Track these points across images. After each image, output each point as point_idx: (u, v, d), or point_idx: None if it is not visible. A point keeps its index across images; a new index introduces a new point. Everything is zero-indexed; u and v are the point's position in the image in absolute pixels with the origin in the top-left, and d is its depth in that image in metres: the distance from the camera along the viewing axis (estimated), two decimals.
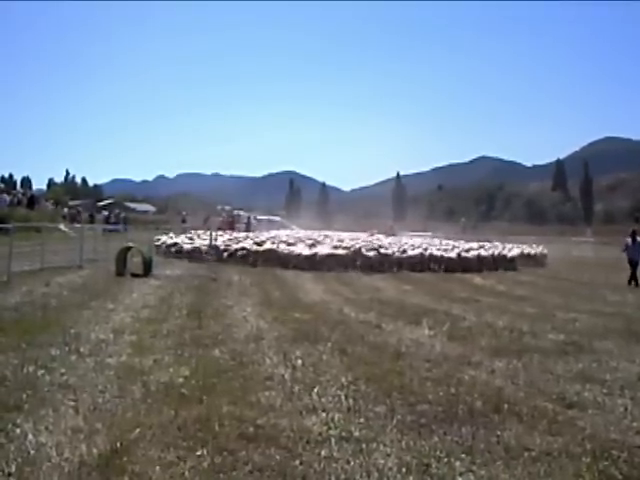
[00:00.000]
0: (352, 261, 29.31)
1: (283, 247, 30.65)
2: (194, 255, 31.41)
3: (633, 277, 28.63)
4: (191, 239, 35.54)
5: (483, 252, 34.83)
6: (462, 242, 43.30)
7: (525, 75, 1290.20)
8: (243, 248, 30.75)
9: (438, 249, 33.67)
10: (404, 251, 31.83)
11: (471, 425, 7.06)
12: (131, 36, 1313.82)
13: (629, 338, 13.31)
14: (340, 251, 30.24)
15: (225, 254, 30.46)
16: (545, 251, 42.81)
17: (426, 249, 33.05)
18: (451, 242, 42.68)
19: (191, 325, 12.86)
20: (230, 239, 35.02)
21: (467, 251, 34.19)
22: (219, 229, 47.83)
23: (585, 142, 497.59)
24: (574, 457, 6.21)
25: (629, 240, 29.85)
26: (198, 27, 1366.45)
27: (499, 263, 34.53)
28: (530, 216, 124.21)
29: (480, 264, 33.06)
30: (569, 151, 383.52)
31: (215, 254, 30.52)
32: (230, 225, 57.96)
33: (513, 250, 38.34)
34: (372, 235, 50.54)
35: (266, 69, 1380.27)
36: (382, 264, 29.73)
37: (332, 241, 35.63)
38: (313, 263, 28.71)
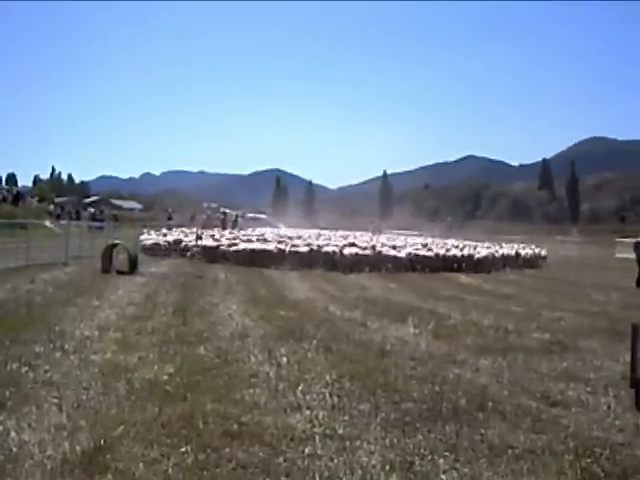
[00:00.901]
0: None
1: (275, 245, 30.54)
2: (180, 253, 31.39)
3: None
4: (176, 237, 35.46)
5: (486, 252, 34.71)
6: (452, 240, 43.33)
7: (513, 75, 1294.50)
8: (229, 245, 30.69)
9: (430, 249, 33.23)
10: (394, 247, 31.81)
11: (455, 423, 7.07)
12: (124, 36, 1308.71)
13: (613, 337, 13.36)
14: (357, 250, 30.29)
15: (213, 252, 30.38)
16: (544, 252, 41.97)
17: (426, 246, 33.23)
18: (450, 241, 42.48)
19: (176, 322, 12.83)
20: (219, 237, 35.00)
21: (462, 249, 34.25)
22: (204, 227, 47.78)
23: (572, 142, 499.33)
24: (557, 455, 6.23)
25: (638, 240, 29.28)
26: (187, 28, 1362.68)
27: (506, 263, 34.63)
28: (516, 215, 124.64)
29: (489, 265, 33.06)
30: (555, 151, 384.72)
31: (201, 252, 30.49)
32: (222, 223, 57.86)
33: (517, 250, 38.24)
34: (375, 232, 50.76)
35: (253, 68, 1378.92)
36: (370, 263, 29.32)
37: (331, 239, 35.83)
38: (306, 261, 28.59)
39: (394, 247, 32.14)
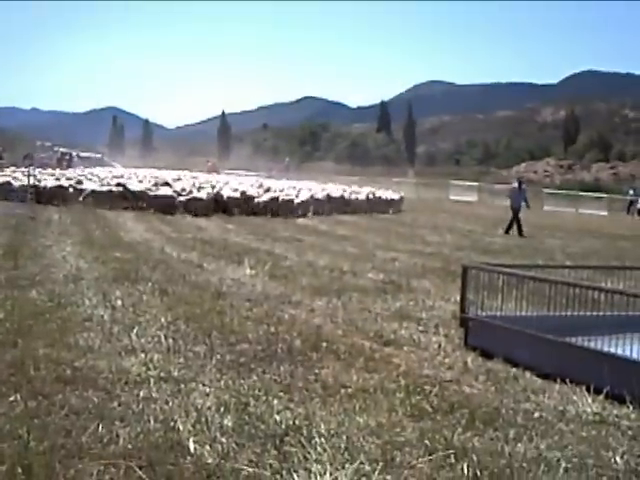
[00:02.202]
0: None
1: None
2: (10, 194, 30.02)
3: (511, 225, 27.64)
4: (5, 177, 33.87)
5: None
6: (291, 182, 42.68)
7: (351, 17, 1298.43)
8: (61, 187, 29.64)
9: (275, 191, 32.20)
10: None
11: (290, 363, 7.19)
12: None
13: (445, 277, 13.89)
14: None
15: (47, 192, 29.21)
16: (397, 195, 41.01)
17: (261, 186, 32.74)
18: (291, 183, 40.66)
19: (6, 266, 12.35)
20: (53, 177, 33.69)
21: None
22: (42, 166, 45.90)
23: (410, 85, 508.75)
24: (389, 393, 6.43)
25: (515, 185, 29.67)
26: None
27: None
28: (355, 157, 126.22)
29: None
30: (394, 93, 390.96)
31: (35, 193, 29.31)
32: (57, 163, 55.68)
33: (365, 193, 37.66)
34: (210, 171, 50.24)
35: (90, 9, 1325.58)
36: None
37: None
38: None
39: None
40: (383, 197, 38.89)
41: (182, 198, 28.34)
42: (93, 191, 28.73)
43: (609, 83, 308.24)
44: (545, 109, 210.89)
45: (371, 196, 37.79)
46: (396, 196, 40.67)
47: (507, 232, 27.39)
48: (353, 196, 36.44)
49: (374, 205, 36.64)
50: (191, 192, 29.70)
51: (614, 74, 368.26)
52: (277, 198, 30.23)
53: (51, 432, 5.02)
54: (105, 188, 29.36)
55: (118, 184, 30.00)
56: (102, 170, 45.82)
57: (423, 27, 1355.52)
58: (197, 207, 27.52)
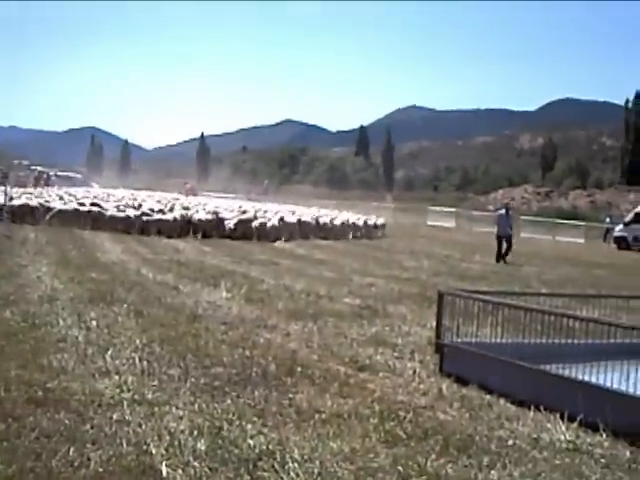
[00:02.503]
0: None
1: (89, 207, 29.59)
2: None
3: (500, 253, 27.03)
4: None
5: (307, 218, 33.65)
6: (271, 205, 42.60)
7: (332, 42, 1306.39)
8: (41, 205, 29.51)
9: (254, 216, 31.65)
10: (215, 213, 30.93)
11: (264, 388, 7.17)
12: None
13: (422, 303, 13.90)
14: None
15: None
16: (380, 221, 40.68)
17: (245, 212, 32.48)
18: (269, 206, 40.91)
19: None
20: (30, 196, 33.52)
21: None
22: (19, 185, 45.69)
23: (389, 110, 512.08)
24: (363, 418, 6.42)
25: (502, 212, 28.77)
26: None
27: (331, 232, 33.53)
28: (333, 181, 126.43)
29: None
30: (373, 118, 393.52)
31: (11, 212, 29.11)
32: (34, 182, 55.56)
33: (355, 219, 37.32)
34: (188, 194, 50.08)
35: (70, 25, 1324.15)
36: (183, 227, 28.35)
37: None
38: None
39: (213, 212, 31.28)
40: (369, 222, 38.53)
41: (154, 218, 28.45)
42: (60, 210, 28.60)
43: (587, 111, 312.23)
44: (523, 136, 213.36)
45: (356, 221, 37.45)
46: (380, 221, 40.39)
47: (498, 260, 26.87)
48: (336, 221, 35.95)
49: (355, 230, 36.21)
50: (162, 212, 29.86)
51: (592, 102, 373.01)
52: (250, 221, 30.08)
53: (20, 455, 4.96)
54: (73, 207, 29.28)
55: (93, 204, 29.89)
56: (79, 190, 45.76)
57: (404, 52, 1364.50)
58: (167, 228, 27.57)
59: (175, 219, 28.69)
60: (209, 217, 29.66)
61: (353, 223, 37.11)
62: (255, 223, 29.79)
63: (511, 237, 27.72)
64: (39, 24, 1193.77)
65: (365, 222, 38.33)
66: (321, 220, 34.97)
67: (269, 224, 30.02)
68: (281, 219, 30.86)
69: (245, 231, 28.89)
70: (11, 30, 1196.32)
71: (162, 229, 27.36)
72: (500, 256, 27.00)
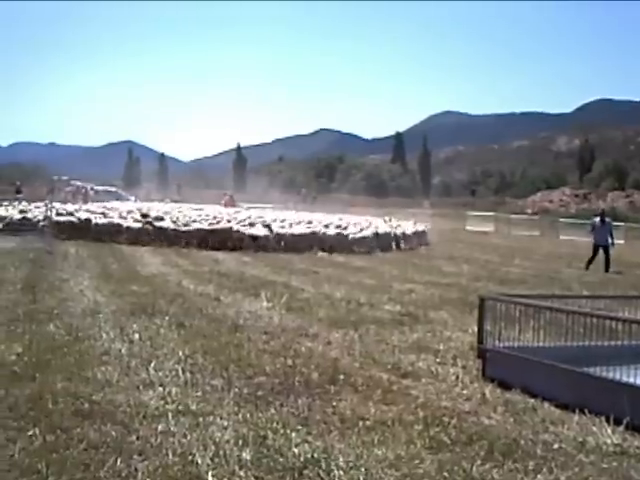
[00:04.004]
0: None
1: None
2: (29, 228, 30.16)
3: (592, 261, 25.99)
4: (23, 211, 34.09)
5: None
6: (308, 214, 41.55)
7: (365, 50, 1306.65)
8: (80, 220, 29.80)
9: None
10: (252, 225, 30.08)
11: (307, 396, 7.19)
12: None
13: (463, 308, 13.80)
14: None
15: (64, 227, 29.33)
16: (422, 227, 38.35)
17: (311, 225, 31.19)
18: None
19: (25, 300, 12.48)
20: (71, 211, 33.87)
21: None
22: (63, 200, 46.20)
23: (425, 116, 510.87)
24: (407, 425, 6.41)
25: (597, 220, 27.27)
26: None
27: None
28: (370, 188, 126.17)
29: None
30: (409, 124, 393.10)
31: (53, 227, 29.45)
32: (73, 197, 56.09)
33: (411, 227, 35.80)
34: (227, 205, 49.93)
35: (102, 38, 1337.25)
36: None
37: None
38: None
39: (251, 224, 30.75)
40: (408, 232, 35.54)
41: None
42: (98, 224, 28.96)
43: (623, 111, 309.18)
44: (560, 138, 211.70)
45: (405, 231, 35.20)
46: (421, 228, 38.05)
47: (587, 267, 25.86)
48: (380, 230, 33.31)
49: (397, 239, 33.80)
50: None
51: (628, 102, 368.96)
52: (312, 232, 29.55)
53: (69, 466, 5.04)
54: (112, 221, 29.60)
55: (147, 221, 29.90)
56: (116, 203, 46.13)
57: (437, 58, 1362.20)
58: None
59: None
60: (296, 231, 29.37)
61: (403, 232, 34.84)
62: (350, 236, 29.61)
63: (608, 247, 26.36)
64: (77, 41, 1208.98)
65: (410, 231, 36.23)
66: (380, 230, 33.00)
67: (359, 235, 29.91)
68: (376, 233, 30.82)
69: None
70: (49, 47, 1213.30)
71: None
72: (590, 263, 26.03)
